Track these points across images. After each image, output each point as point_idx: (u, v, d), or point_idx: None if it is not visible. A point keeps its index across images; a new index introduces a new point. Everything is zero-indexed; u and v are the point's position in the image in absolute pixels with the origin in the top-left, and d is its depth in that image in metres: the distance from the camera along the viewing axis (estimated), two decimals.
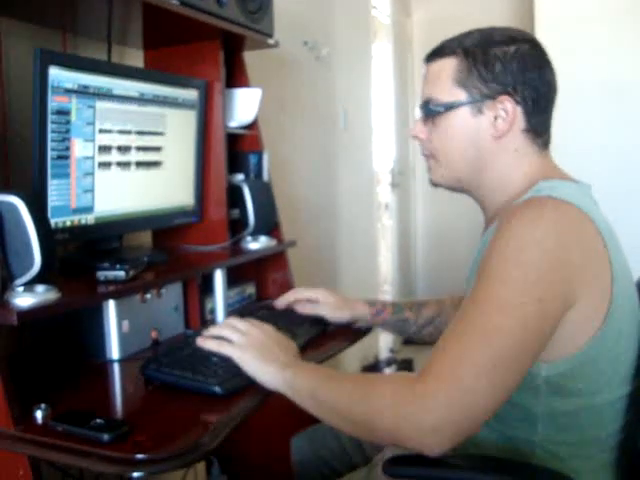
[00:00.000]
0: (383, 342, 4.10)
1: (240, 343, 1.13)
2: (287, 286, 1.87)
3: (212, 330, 1.20)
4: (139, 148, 1.53)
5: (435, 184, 1.21)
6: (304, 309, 1.48)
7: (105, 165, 1.44)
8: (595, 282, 0.97)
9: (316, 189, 3.11)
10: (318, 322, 1.47)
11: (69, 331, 1.33)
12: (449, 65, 1.11)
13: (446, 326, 1.40)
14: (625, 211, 3.11)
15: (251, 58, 1.94)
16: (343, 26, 3.40)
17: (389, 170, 4.21)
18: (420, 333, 1.48)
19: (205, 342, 1.17)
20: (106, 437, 0.92)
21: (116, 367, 1.29)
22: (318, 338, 1.44)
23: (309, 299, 1.48)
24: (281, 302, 1.51)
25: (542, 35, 3.22)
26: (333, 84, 3.31)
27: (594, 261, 0.97)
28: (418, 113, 1.18)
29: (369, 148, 3.94)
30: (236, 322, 1.20)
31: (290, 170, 2.74)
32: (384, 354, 4.02)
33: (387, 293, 4.30)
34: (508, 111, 1.07)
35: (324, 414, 1.01)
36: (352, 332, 1.51)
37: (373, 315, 1.48)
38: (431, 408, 0.87)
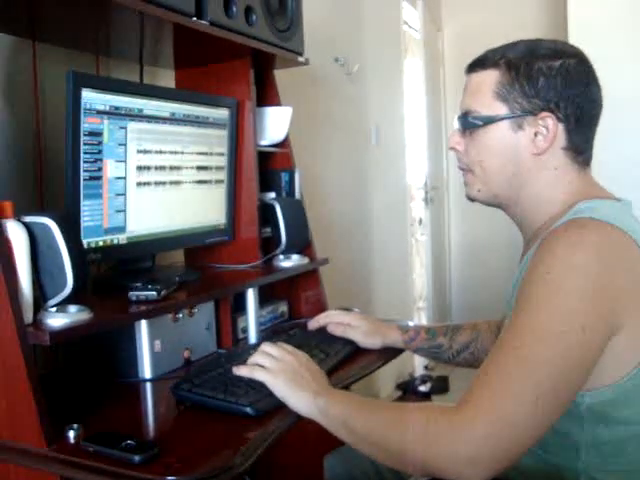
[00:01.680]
0: (418, 359, 4.05)
1: (272, 368, 1.12)
2: (320, 304, 1.86)
3: (248, 359, 1.18)
4: (171, 168, 1.54)
5: (471, 199, 1.18)
6: (336, 331, 1.47)
7: (137, 185, 1.45)
8: None
9: (349, 206, 3.10)
10: (351, 341, 1.46)
11: (101, 351, 1.33)
12: (491, 77, 1.08)
13: (482, 352, 1.41)
14: None
15: (282, 76, 1.94)
16: (374, 42, 3.41)
17: (422, 185, 4.19)
18: (455, 359, 1.44)
19: (239, 369, 1.15)
20: (137, 458, 0.92)
21: (148, 387, 1.29)
22: (352, 357, 1.43)
23: (341, 323, 1.49)
24: (313, 324, 1.52)
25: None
26: (364, 100, 3.30)
27: (639, 285, 0.94)
28: (456, 124, 1.15)
29: (402, 163, 3.92)
30: (269, 348, 1.17)
31: (322, 187, 2.73)
32: (419, 371, 3.98)
33: (422, 310, 4.26)
34: (549, 128, 1.04)
35: (357, 442, 0.99)
36: (386, 351, 1.49)
37: (406, 341, 1.46)
38: (468, 439, 0.85)
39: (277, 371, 1.11)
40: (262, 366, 1.13)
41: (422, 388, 3.61)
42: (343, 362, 1.38)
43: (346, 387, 1.36)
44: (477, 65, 1.12)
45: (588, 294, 0.89)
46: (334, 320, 1.50)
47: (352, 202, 3.15)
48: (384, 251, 3.51)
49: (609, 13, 3.46)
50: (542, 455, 1.00)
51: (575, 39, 3.41)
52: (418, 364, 4.04)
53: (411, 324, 1.58)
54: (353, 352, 1.45)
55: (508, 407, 0.85)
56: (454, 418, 0.87)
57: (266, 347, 1.18)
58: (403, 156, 3.94)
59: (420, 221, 4.26)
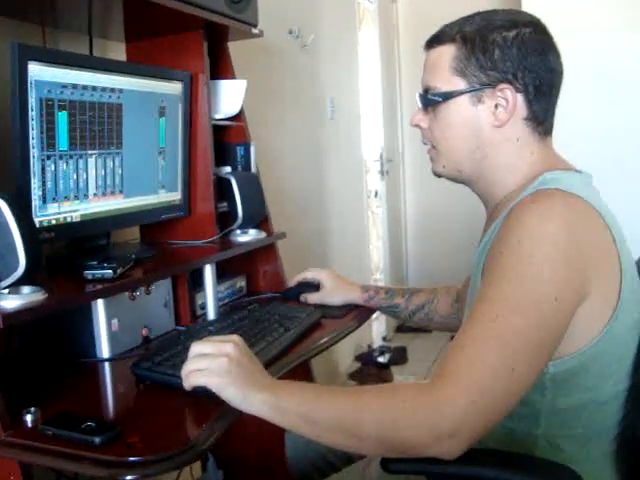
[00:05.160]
0: (376, 330, 4.10)
1: (214, 369, 0.98)
2: (278, 278, 1.86)
3: (185, 368, 1.02)
4: (123, 143, 1.50)
5: (437, 174, 1.18)
6: (312, 300, 1.63)
7: (89, 161, 1.41)
8: (605, 276, 0.95)
9: (305, 179, 3.09)
10: (313, 311, 1.51)
11: (58, 332, 1.31)
12: (447, 53, 1.07)
13: (436, 314, 1.52)
14: (622, 198, 3.10)
15: (235, 48, 1.91)
16: (328, 13, 3.37)
17: (378, 158, 4.19)
18: (411, 318, 1.58)
19: (185, 382, 1.02)
20: (97, 440, 0.91)
21: (106, 367, 1.27)
22: (313, 329, 1.45)
23: (314, 278, 1.67)
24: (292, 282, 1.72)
25: None
26: (319, 72, 3.28)
27: (604, 255, 0.96)
28: (418, 101, 1.15)
29: (357, 136, 3.91)
30: (199, 348, 1.03)
31: (278, 161, 2.71)
32: (377, 342, 4.02)
33: (379, 282, 4.29)
34: (508, 99, 1.04)
35: (320, 434, 0.93)
36: (344, 323, 1.52)
37: (365, 300, 1.61)
38: (449, 413, 0.84)
39: (221, 371, 0.98)
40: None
41: (381, 359, 3.65)
42: (304, 334, 1.40)
43: (307, 360, 1.37)
44: (434, 41, 1.11)
45: (559, 264, 0.90)
46: (308, 276, 1.68)
47: (308, 175, 3.14)
48: (341, 224, 3.52)
49: None
50: (502, 422, 1.02)
51: (529, 9, 3.43)
52: (376, 335, 4.08)
53: (373, 285, 1.71)
54: (315, 323, 1.47)
55: (486, 379, 0.86)
56: (433, 394, 0.86)
57: (196, 347, 1.03)
58: (358, 128, 3.93)
59: (376, 193, 4.27)
